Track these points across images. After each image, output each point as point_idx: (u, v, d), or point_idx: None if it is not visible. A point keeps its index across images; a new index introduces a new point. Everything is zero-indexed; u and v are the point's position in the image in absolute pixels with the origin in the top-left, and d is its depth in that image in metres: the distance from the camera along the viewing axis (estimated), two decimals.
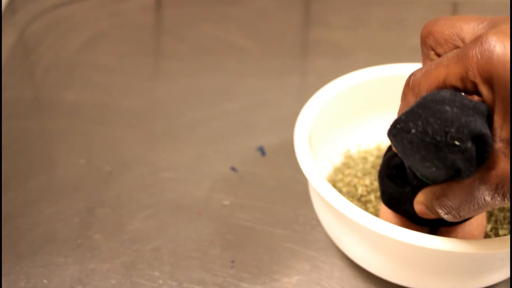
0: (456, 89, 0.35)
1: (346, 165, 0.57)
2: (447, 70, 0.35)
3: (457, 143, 0.33)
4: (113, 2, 0.88)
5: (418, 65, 0.53)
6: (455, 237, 0.46)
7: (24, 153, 0.64)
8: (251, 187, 0.60)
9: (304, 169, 0.47)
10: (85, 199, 0.59)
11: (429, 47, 0.39)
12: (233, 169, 0.62)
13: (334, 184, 0.55)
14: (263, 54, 0.79)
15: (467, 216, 0.38)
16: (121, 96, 0.72)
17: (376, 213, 0.51)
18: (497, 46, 0.33)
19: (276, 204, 0.58)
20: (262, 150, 0.64)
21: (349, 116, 0.57)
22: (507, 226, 0.50)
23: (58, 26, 0.84)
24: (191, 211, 0.58)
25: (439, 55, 0.39)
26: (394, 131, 0.36)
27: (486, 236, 0.49)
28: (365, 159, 0.57)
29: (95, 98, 0.72)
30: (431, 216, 0.41)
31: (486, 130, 0.34)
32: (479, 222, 0.46)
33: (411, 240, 0.42)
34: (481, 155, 0.34)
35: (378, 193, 0.52)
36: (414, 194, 0.42)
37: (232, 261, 0.53)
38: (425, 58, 0.40)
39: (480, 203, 0.36)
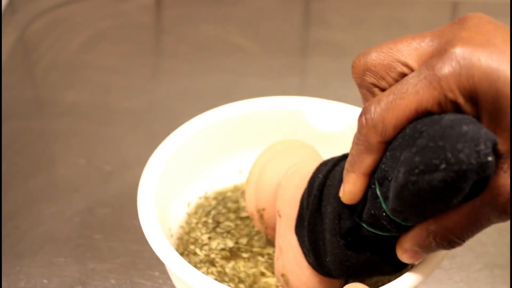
0: (429, 114, 0.32)
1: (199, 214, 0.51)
2: (418, 98, 0.32)
3: (490, 159, 0.30)
4: (113, 2, 0.88)
5: None
6: None
7: (24, 153, 0.64)
8: None
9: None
10: (85, 199, 0.59)
11: (370, 85, 0.36)
12: None
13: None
14: (263, 54, 0.79)
15: (468, 239, 0.34)
16: (121, 96, 0.72)
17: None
18: (473, 59, 0.31)
19: None
20: None
21: (204, 158, 0.53)
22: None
23: (58, 26, 0.84)
24: None
25: (384, 89, 0.35)
26: (413, 179, 0.31)
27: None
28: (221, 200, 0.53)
29: (95, 98, 0.72)
30: (421, 258, 0.37)
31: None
32: None
33: None
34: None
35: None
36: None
37: None
38: (368, 97, 0.36)
39: (485, 224, 0.33)
